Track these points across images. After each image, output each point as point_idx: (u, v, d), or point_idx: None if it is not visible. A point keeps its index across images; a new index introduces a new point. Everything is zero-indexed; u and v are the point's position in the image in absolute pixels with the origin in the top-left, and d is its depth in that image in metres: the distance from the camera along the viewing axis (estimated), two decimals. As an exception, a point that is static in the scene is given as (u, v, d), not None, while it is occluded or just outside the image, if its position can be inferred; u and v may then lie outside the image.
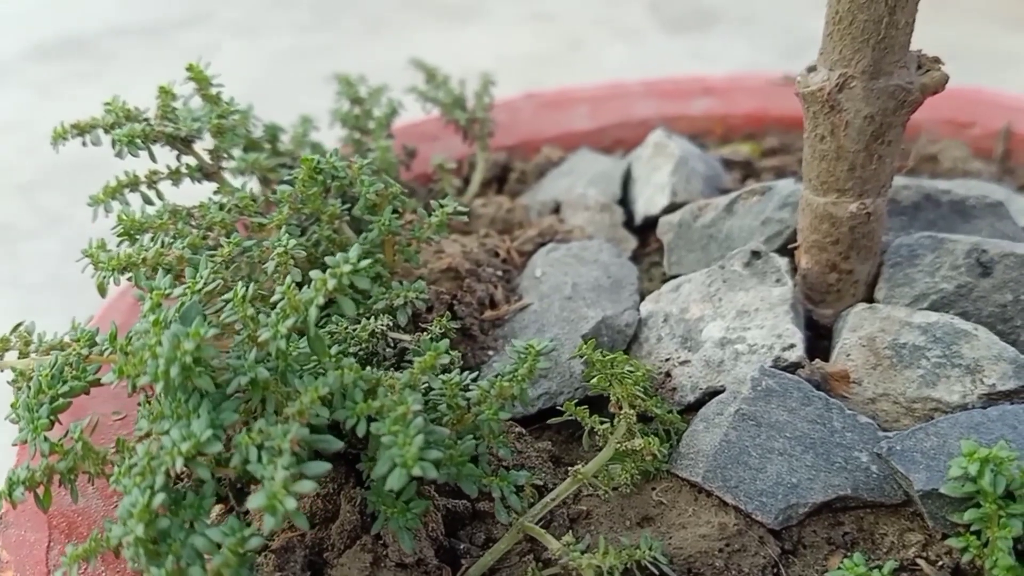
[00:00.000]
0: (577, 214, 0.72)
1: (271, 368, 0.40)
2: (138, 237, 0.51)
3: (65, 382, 0.41)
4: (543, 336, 0.56)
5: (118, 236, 0.51)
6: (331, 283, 0.40)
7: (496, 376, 0.44)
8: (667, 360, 0.54)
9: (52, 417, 0.41)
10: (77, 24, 2.64)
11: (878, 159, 0.51)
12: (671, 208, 0.68)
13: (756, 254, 0.56)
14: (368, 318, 0.51)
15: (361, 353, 0.47)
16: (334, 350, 0.43)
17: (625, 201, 0.74)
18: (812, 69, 0.52)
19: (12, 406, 0.42)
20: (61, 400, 0.41)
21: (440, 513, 0.46)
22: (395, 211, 0.56)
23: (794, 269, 0.57)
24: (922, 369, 0.49)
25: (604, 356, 0.48)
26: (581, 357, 0.49)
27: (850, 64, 0.50)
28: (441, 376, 0.44)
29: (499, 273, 0.64)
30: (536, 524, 0.45)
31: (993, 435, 0.44)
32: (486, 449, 0.45)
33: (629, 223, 0.71)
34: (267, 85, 2.14)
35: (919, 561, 0.44)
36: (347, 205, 0.56)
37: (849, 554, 0.44)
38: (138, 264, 0.46)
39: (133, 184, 0.55)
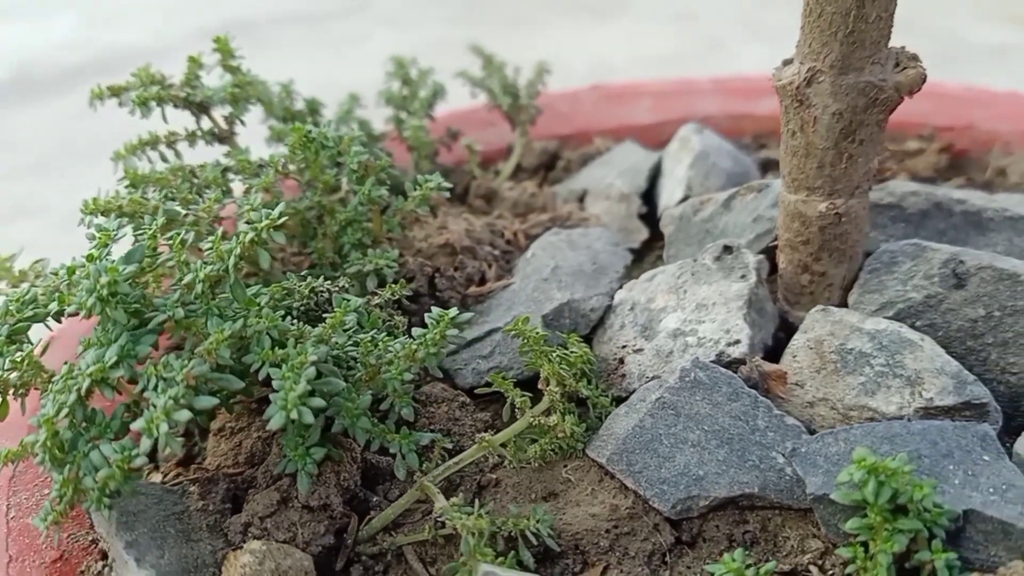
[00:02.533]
0: (598, 203, 0.72)
1: (194, 310, 0.44)
2: (144, 189, 0.56)
3: (30, 310, 0.47)
4: (510, 314, 0.57)
5: (125, 188, 0.57)
6: (249, 235, 0.43)
7: (409, 340, 0.46)
8: (623, 347, 0.54)
9: (15, 338, 0.46)
10: (244, 11, 2.83)
11: (848, 158, 0.50)
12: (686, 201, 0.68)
13: (728, 249, 0.55)
14: (331, 279, 0.54)
15: (302, 308, 0.50)
16: (263, 300, 0.46)
17: (652, 193, 0.74)
18: (788, 62, 0.51)
19: None
20: (20, 324, 0.46)
21: (358, 465, 0.48)
22: (382, 183, 0.59)
23: (774, 268, 0.56)
24: (864, 377, 0.47)
25: (538, 334, 0.49)
26: (514, 334, 0.50)
27: (818, 58, 0.48)
28: (359, 336, 0.47)
29: (496, 253, 0.65)
30: (439, 486, 0.47)
31: (907, 448, 0.42)
32: (397, 408, 0.47)
33: (649, 215, 0.71)
34: (443, 78, 2.21)
35: (812, 568, 0.42)
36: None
37: (747, 552, 0.43)
38: (113, 210, 0.51)
39: (153, 143, 0.60)
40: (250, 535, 0.45)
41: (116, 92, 0.61)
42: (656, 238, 0.69)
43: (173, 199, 0.55)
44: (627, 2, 2.79)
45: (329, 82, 2.33)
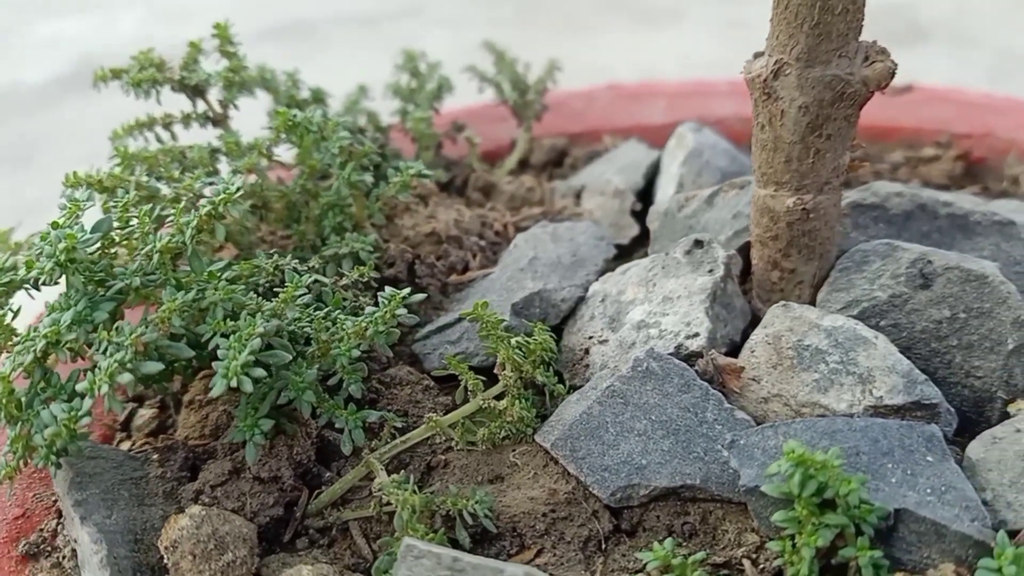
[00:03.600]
0: (593, 198, 0.73)
1: (152, 280, 0.45)
2: (135, 168, 0.59)
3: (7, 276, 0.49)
4: (483, 299, 0.57)
5: (116, 166, 0.59)
6: (207, 209, 0.45)
7: (360, 318, 0.47)
8: (590, 338, 0.55)
9: None
10: (304, 11, 2.89)
11: (816, 153, 0.49)
12: None
13: (699, 243, 0.55)
14: (303, 259, 0.55)
15: (267, 284, 0.52)
16: (225, 273, 0.47)
17: (651, 190, 0.74)
18: (760, 54, 0.51)
19: None
20: None
21: (312, 441, 0.49)
22: (365, 168, 0.60)
23: (748, 264, 0.56)
24: (818, 373, 0.46)
25: (496, 319, 0.49)
26: (472, 318, 0.50)
27: (785, 50, 0.48)
28: (315, 313, 0.48)
29: (483, 243, 0.66)
30: (388, 464, 0.47)
31: (848, 444, 0.42)
32: (346, 384, 0.47)
33: (645, 211, 0.71)
34: (454, 77, 2.24)
35: (744, 562, 0.42)
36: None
37: (684, 543, 0.43)
38: (94, 185, 0.53)
39: (150, 124, 0.63)
40: (200, 502, 0.46)
41: (117, 74, 0.63)
42: (648, 234, 0.69)
43: (160, 178, 0.57)
44: (680, 10, 2.77)
45: (378, 81, 2.36)
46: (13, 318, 0.49)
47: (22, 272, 0.47)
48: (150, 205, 0.47)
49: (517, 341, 0.50)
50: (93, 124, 2.39)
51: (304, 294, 0.46)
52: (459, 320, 0.56)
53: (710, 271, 0.53)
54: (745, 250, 0.56)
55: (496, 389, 0.49)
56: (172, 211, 0.54)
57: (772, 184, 0.51)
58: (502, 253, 0.66)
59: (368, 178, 0.60)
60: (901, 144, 0.86)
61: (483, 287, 0.60)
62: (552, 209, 0.71)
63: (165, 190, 0.57)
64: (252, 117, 0.73)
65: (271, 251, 0.62)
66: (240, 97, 0.65)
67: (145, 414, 0.55)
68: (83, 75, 2.79)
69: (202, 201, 0.46)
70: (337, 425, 0.47)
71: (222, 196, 0.44)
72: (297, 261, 0.53)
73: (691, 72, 2.22)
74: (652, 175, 0.75)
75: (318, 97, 0.75)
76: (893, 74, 0.48)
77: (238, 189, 0.45)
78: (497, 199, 0.75)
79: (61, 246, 0.42)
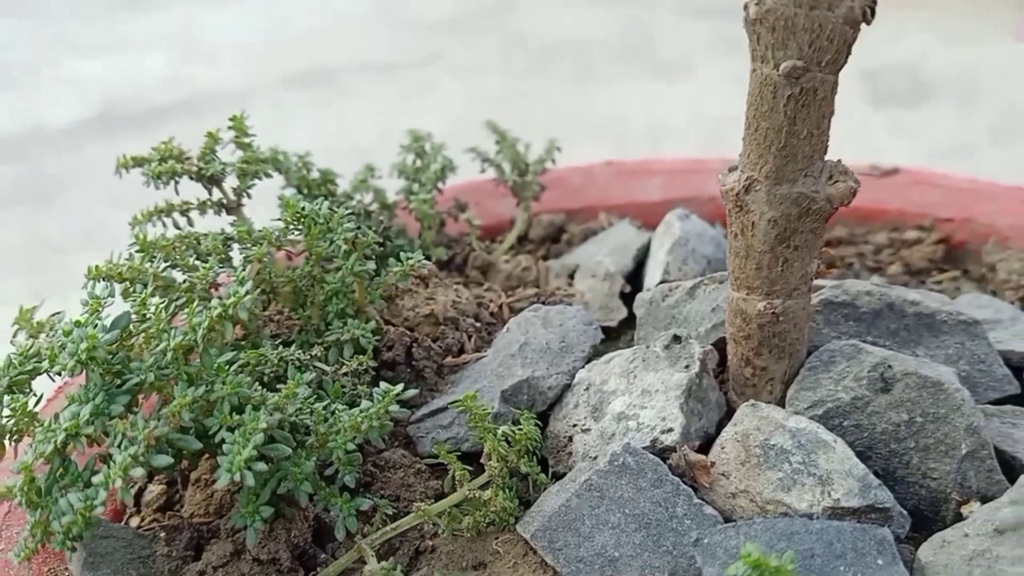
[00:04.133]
0: (585, 280, 0.76)
1: (166, 374, 0.49)
2: (153, 255, 0.63)
3: (31, 363, 0.53)
4: (475, 386, 0.61)
5: (135, 253, 0.63)
6: (217, 311, 0.49)
7: (356, 412, 0.51)
8: (574, 426, 0.58)
9: (15, 389, 0.52)
10: (326, 58, 2.95)
11: (784, 262, 0.53)
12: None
13: (677, 338, 0.58)
14: (310, 348, 0.59)
15: (271, 375, 0.55)
16: (232, 367, 0.51)
17: (639, 273, 0.77)
18: (733, 168, 0.54)
19: None
20: (20, 377, 0.52)
21: (310, 524, 0.52)
22: (368, 257, 0.64)
23: (723, 359, 0.59)
24: (782, 472, 0.50)
25: (483, 411, 0.53)
26: (461, 409, 0.54)
27: (756, 168, 0.51)
28: (314, 406, 0.51)
29: (478, 325, 0.70)
30: (378, 549, 0.51)
31: (803, 546, 0.45)
32: (341, 475, 0.51)
33: (634, 293, 0.75)
34: (471, 123, 2.30)
35: None
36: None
37: None
38: (114, 276, 0.57)
39: (168, 211, 0.67)
40: (204, 582, 0.50)
41: (139, 163, 0.68)
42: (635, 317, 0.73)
43: (175, 266, 0.61)
44: (692, 64, 2.83)
45: (393, 128, 2.42)
46: (36, 404, 0.53)
47: (45, 363, 0.50)
48: (165, 301, 0.51)
49: (504, 432, 0.53)
50: (102, 168, 2.44)
51: (306, 389, 0.50)
52: (452, 404, 0.60)
53: (686, 367, 0.57)
54: (722, 343, 0.60)
55: (482, 479, 0.52)
56: (186, 298, 0.58)
57: (744, 288, 0.54)
58: (496, 334, 0.69)
59: (371, 266, 0.64)
60: (886, 226, 0.90)
61: (476, 371, 0.64)
62: (545, 291, 0.75)
63: (180, 277, 0.61)
64: (266, 191, 0.77)
65: (276, 333, 0.66)
66: (253, 183, 0.69)
67: (154, 490, 0.59)
68: (107, 116, 2.87)
69: (213, 301, 0.49)
70: (332, 512, 0.51)
71: (232, 299, 0.48)
72: (300, 351, 0.57)
73: (703, 125, 2.28)
74: (642, 258, 0.78)
75: (328, 178, 0.80)
76: (855, 193, 0.52)
77: (247, 292, 0.49)
78: (494, 278, 0.79)
79: (83, 346, 0.46)
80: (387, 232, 0.77)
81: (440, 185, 0.84)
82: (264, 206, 0.80)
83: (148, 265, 0.58)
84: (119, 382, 0.49)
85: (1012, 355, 0.61)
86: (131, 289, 0.56)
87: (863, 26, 0.49)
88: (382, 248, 0.77)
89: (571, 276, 0.79)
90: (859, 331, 0.60)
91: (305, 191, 0.78)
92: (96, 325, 0.49)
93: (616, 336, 0.71)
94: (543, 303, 0.72)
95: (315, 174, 0.79)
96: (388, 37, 3.19)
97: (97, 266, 0.58)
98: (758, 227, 0.52)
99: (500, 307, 0.73)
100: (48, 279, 1.80)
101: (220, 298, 0.49)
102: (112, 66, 3.10)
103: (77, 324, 0.49)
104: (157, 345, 0.49)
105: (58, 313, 0.64)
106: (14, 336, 0.64)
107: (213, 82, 2.86)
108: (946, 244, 0.86)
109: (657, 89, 2.65)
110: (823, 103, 0.50)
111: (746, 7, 0.50)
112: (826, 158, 0.52)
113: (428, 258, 0.80)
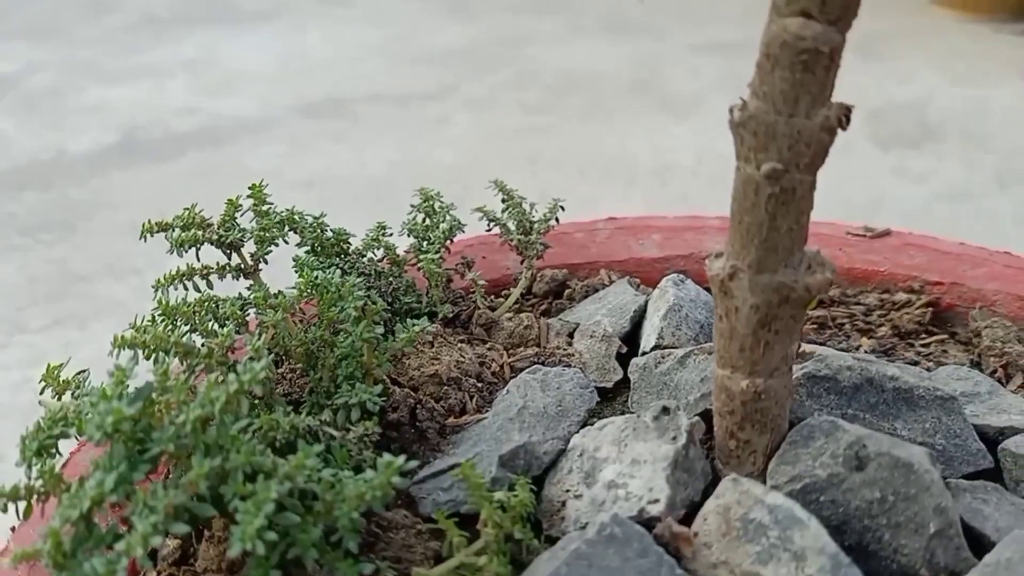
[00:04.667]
0: (584, 340, 0.80)
1: (185, 444, 0.53)
2: (175, 320, 0.67)
3: (59, 427, 0.57)
4: (475, 449, 0.65)
5: (158, 317, 0.67)
6: (234, 387, 0.52)
7: (362, 481, 0.54)
8: (567, 491, 0.61)
9: (43, 451, 0.56)
10: (341, 88, 3.01)
11: (765, 345, 0.56)
12: (657, 349, 0.75)
13: (666, 410, 0.61)
14: (318, 411, 0.63)
15: (284, 441, 0.59)
16: (246, 436, 0.55)
17: (636, 334, 0.81)
18: (719, 255, 0.58)
19: (23, 437, 0.58)
20: (48, 440, 0.56)
21: None
22: (376, 323, 0.67)
23: (709, 430, 0.62)
24: (760, 546, 0.53)
25: (479, 481, 0.56)
26: (460, 477, 0.57)
27: (739, 257, 0.55)
28: (322, 474, 0.55)
29: (480, 385, 0.73)
30: None
31: None
32: (345, 541, 0.54)
33: (631, 354, 0.78)
34: (480, 157, 2.35)
35: None
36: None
37: None
38: (139, 345, 0.61)
39: (189, 275, 0.71)
40: (215, 638, 0.53)
41: (163, 228, 0.72)
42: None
43: (195, 330, 0.65)
44: (701, 100, 2.86)
45: (407, 160, 2.48)
46: (63, 466, 0.57)
47: (73, 430, 0.54)
48: (186, 374, 0.55)
49: (499, 499, 0.57)
50: (136, 195, 2.52)
51: (314, 460, 0.53)
52: (451, 467, 0.63)
53: (674, 438, 0.60)
54: (710, 413, 0.63)
55: (477, 545, 0.56)
56: (205, 364, 0.62)
57: (729, 367, 0.58)
58: (497, 394, 0.73)
59: (379, 331, 0.67)
60: (877, 287, 0.93)
61: (476, 433, 0.67)
62: (545, 351, 0.78)
63: (200, 341, 0.65)
64: (283, 249, 0.81)
65: (288, 392, 0.70)
66: (270, 251, 0.73)
67: (170, 544, 0.63)
68: (128, 143, 2.95)
69: (230, 376, 0.53)
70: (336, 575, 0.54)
71: (248, 375, 0.52)
72: (311, 416, 0.60)
73: (710, 161, 2.31)
74: (639, 319, 0.82)
75: (340, 238, 0.83)
76: (831, 283, 0.55)
77: (262, 369, 0.52)
78: (497, 335, 0.83)
79: (109, 419, 0.50)
80: (396, 292, 0.81)
81: (448, 244, 0.88)
82: (279, 264, 0.84)
83: (170, 334, 0.61)
84: (141, 449, 0.53)
85: (987, 429, 0.64)
86: (154, 355, 0.60)
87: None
88: (391, 307, 0.81)
89: (571, 335, 0.82)
90: (840, 404, 0.63)
91: (319, 250, 0.82)
92: (122, 398, 0.52)
93: (612, 397, 0.75)
94: (543, 364, 0.76)
95: (328, 234, 0.82)
96: (403, 69, 3.25)
97: (123, 336, 0.61)
98: (741, 312, 0.56)
99: (502, 366, 0.77)
100: (70, 307, 1.85)
101: (237, 371, 0.53)
102: (134, 93, 3.16)
103: (104, 397, 0.52)
104: (177, 416, 0.53)
105: (84, 371, 0.68)
106: (41, 392, 0.68)
107: (231, 111, 2.92)
108: (934, 307, 0.89)
109: (666, 125, 2.69)
110: (802, 201, 0.53)
111: (731, 111, 0.53)
112: (805, 248, 0.56)
113: (435, 314, 0.84)
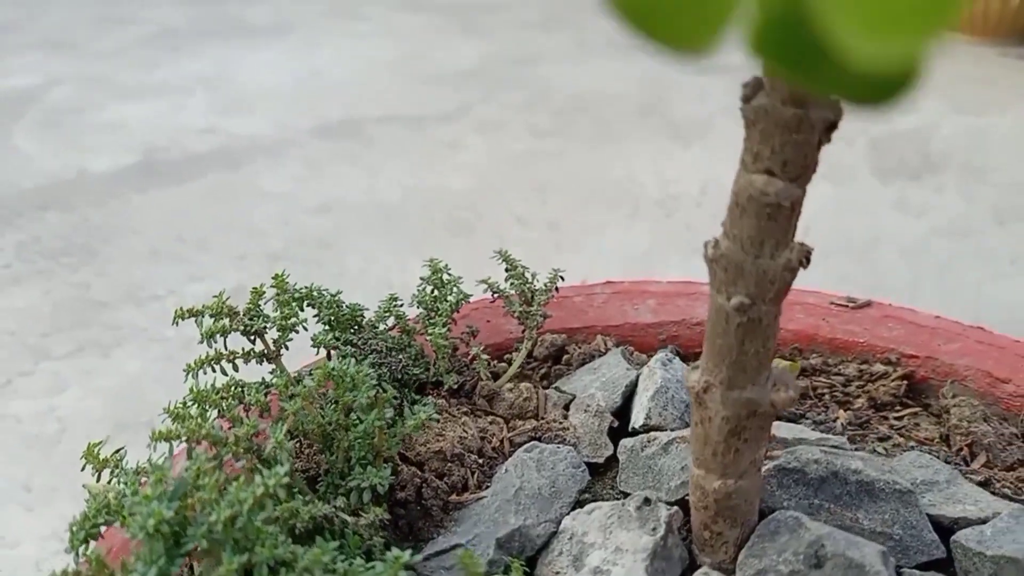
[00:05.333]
0: (578, 414, 0.86)
1: (216, 539, 0.59)
2: (204, 406, 0.73)
3: (103, 516, 0.63)
4: (474, 530, 0.71)
5: (191, 403, 0.73)
6: (260, 490, 0.59)
7: (372, 571, 0.61)
8: (557, 573, 0.68)
9: (88, 538, 0.63)
10: (356, 108, 3.07)
11: (736, 451, 0.62)
12: (645, 427, 0.81)
13: (647, 501, 0.68)
14: (334, 497, 0.70)
15: (304, 528, 0.66)
16: (271, 529, 0.61)
17: (628, 408, 0.87)
18: (696, 368, 0.64)
19: (71, 525, 0.65)
20: (93, 529, 0.63)
21: None
22: (387, 409, 0.74)
23: (687, 518, 0.69)
24: None
25: (478, 567, 0.63)
26: (460, 568, 0.64)
27: (713, 374, 0.61)
28: (337, 565, 0.61)
29: (481, 461, 0.80)
30: None
31: None
32: None
33: (620, 428, 0.84)
34: (491, 183, 2.41)
35: None
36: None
37: None
38: (175, 438, 0.68)
39: (217, 359, 0.77)
40: None
41: (194, 315, 0.78)
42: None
43: (223, 415, 0.72)
44: (708, 125, 2.91)
45: (419, 185, 2.55)
46: (107, 554, 0.63)
47: (116, 520, 0.61)
48: (216, 474, 0.61)
49: None
50: (154, 218, 2.58)
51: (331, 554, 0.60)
52: (453, 547, 0.70)
53: (653, 529, 0.66)
54: (687, 502, 0.69)
55: None
56: (232, 450, 0.69)
57: (703, 467, 0.64)
58: (497, 468, 0.79)
59: (389, 414, 0.74)
60: (856, 358, 0.99)
61: (477, 512, 0.74)
62: (543, 426, 0.85)
63: (227, 428, 0.71)
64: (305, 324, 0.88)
65: (306, 468, 0.76)
66: (291, 339, 0.80)
67: (200, 615, 0.69)
68: (147, 165, 3.02)
69: (257, 479, 0.60)
70: (349, 658, 0.61)
71: (274, 480, 0.59)
72: (325, 502, 0.67)
73: (715, 191, 2.36)
74: (630, 393, 0.88)
75: (355, 313, 0.90)
76: (795, 400, 0.62)
77: (285, 474, 0.59)
78: (499, 406, 0.89)
79: (151, 522, 0.57)
80: (405, 368, 0.88)
81: (454, 316, 0.94)
82: (299, 340, 0.90)
83: (202, 425, 0.68)
84: (175, 542, 0.60)
85: (943, 519, 0.70)
86: (191, 452, 0.66)
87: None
88: (400, 379, 0.88)
89: (566, 407, 0.89)
90: (808, 495, 0.70)
91: (335, 325, 0.88)
92: (161, 500, 0.59)
93: (603, 472, 0.81)
94: (539, 439, 0.82)
95: (344, 309, 0.89)
96: (415, 88, 3.31)
97: (160, 430, 0.68)
98: (714, 422, 0.62)
99: (502, 441, 0.83)
100: (93, 334, 1.91)
101: (262, 472, 0.59)
102: (152, 110, 3.22)
103: (145, 499, 0.59)
104: (209, 515, 0.60)
105: (120, 450, 0.75)
106: (82, 469, 0.74)
107: (247, 130, 2.98)
108: (909, 380, 0.95)
109: (673, 151, 2.74)
110: (767, 328, 0.59)
111: (706, 246, 0.60)
112: (771, 365, 0.62)
113: (441, 384, 0.91)
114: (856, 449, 0.83)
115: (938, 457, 0.82)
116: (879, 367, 0.96)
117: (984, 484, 0.78)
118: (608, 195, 2.38)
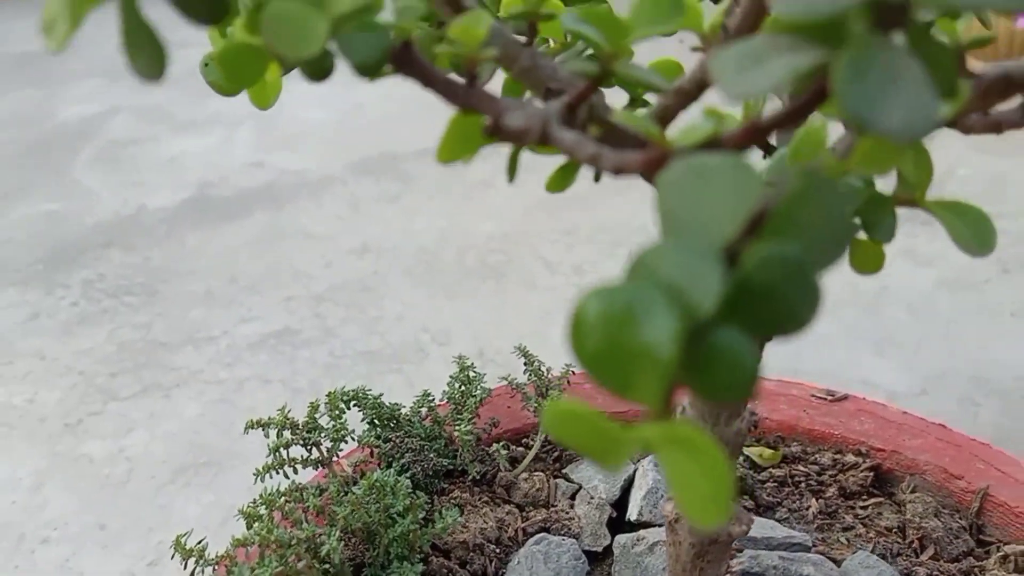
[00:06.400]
0: (583, 505, 1.01)
1: None
2: (265, 510, 0.89)
3: None
4: None
5: (260, 504, 0.89)
6: None
7: None
8: None
9: None
10: (395, 147, 3.22)
11: (700, 569, 0.77)
12: (639, 522, 0.96)
13: None
14: None
15: None
16: None
17: (626, 499, 1.02)
18: (671, 499, 0.78)
19: None
20: None
21: None
22: (422, 510, 0.89)
23: None
24: None
25: None
26: None
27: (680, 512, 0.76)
28: None
29: (497, 550, 0.95)
30: None
31: None
32: None
33: (618, 519, 0.99)
34: (521, 228, 2.55)
35: None
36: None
37: None
38: (250, 544, 0.83)
39: (280, 466, 0.93)
40: None
41: (262, 425, 0.94)
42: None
43: (286, 517, 0.88)
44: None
45: (454, 229, 2.70)
46: None
47: None
48: (282, 562, 0.77)
49: None
50: (209, 257, 2.77)
51: None
52: None
53: None
54: None
55: None
56: (295, 551, 0.84)
57: None
58: (512, 556, 0.94)
59: (422, 515, 0.89)
60: (831, 448, 1.12)
61: None
62: (552, 515, 1.00)
63: (289, 527, 0.87)
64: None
65: (352, 557, 0.92)
66: (341, 448, 0.95)
67: None
68: (200, 202, 3.22)
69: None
70: None
71: None
72: None
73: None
74: (628, 485, 1.03)
75: (394, 411, 1.06)
76: (747, 532, 0.76)
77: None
78: (515, 494, 1.04)
79: None
80: (435, 465, 1.03)
81: (479, 411, 1.09)
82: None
83: (272, 530, 0.84)
84: None
85: None
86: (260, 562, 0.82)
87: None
88: (433, 471, 1.03)
89: (573, 497, 1.04)
90: None
91: (377, 422, 1.04)
92: None
93: (601, 558, 0.96)
94: (548, 530, 0.97)
95: (385, 409, 1.05)
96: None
97: (240, 537, 0.84)
98: (683, 545, 0.76)
99: (516, 531, 0.98)
100: (155, 376, 2.09)
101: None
102: (204, 145, 3.40)
103: None
104: None
105: (202, 541, 0.91)
106: (172, 557, 0.91)
107: (293, 166, 3.15)
108: (876, 471, 1.08)
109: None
110: None
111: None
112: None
113: (465, 472, 1.06)
114: (822, 539, 0.98)
115: (891, 551, 0.95)
116: (850, 458, 1.10)
117: (926, 579, 0.92)
118: (634, 243, 2.51)
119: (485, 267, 2.34)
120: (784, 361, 1.90)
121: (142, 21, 0.38)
